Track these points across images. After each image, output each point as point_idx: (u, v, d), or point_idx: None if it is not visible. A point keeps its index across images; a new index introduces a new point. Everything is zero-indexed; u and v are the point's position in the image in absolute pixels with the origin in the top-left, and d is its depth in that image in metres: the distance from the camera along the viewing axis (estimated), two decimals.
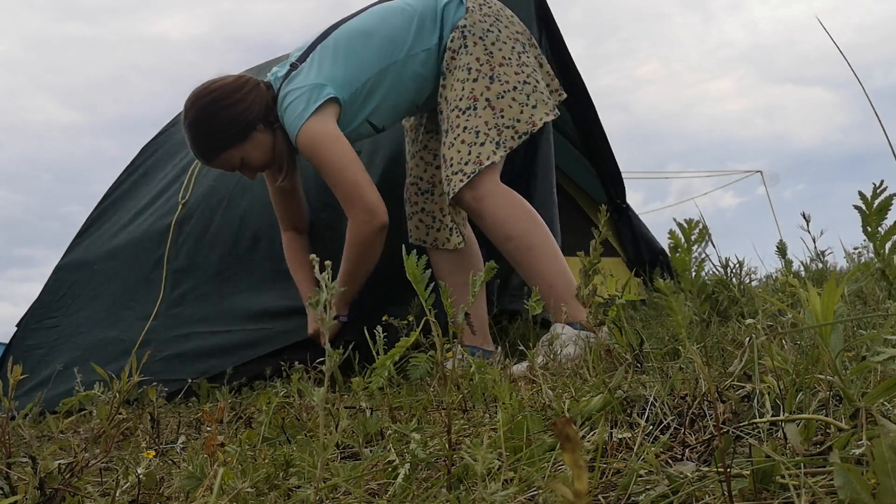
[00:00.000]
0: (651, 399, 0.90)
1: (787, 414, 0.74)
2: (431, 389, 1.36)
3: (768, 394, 0.81)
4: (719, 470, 0.61)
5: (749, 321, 1.04)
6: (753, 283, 2.00)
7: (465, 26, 1.98)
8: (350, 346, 1.49)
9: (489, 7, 2.03)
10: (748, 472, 0.62)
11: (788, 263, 1.69)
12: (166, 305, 2.62)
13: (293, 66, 2.03)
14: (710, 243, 1.71)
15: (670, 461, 0.74)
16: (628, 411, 0.91)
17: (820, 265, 1.98)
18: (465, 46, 1.97)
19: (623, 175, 3.53)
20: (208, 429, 1.47)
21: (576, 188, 3.80)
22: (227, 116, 1.99)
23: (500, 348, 1.95)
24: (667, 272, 3.37)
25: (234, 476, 0.83)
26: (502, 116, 1.91)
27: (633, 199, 3.87)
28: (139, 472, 0.88)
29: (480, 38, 1.96)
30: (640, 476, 0.68)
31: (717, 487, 0.62)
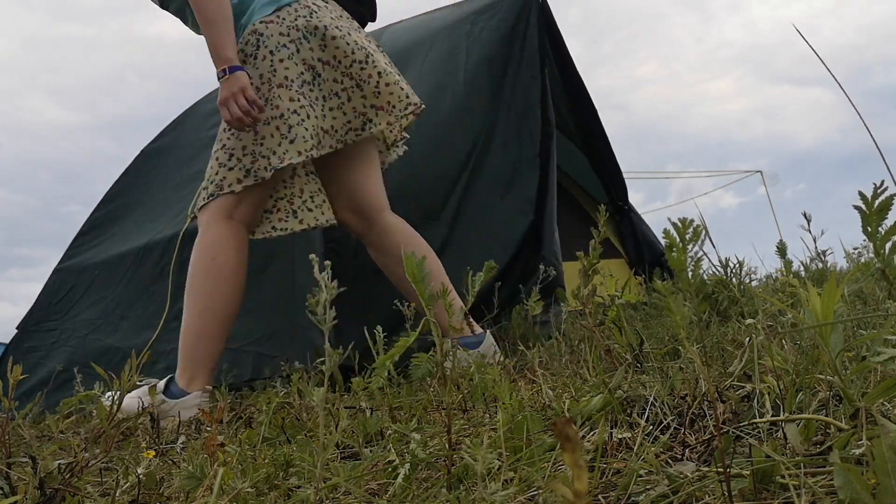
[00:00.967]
0: (651, 399, 0.90)
1: (787, 414, 0.74)
2: (431, 389, 1.36)
3: (768, 394, 0.81)
4: (719, 470, 0.61)
5: (749, 321, 1.04)
6: (753, 283, 2.00)
7: (262, 34, 1.85)
8: None
9: (307, 20, 1.89)
10: (748, 472, 0.62)
11: (788, 263, 1.69)
12: (167, 318, 2.59)
13: None
14: (708, 242, 1.71)
15: (670, 461, 0.74)
16: (628, 411, 0.91)
17: (820, 265, 1.98)
18: (255, 57, 1.85)
19: (624, 175, 3.53)
20: (208, 429, 1.47)
21: (577, 187, 3.81)
22: None
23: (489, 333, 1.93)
24: (668, 274, 3.37)
25: (234, 476, 0.83)
26: (261, 144, 1.82)
27: (635, 198, 3.85)
28: (139, 472, 0.88)
29: (271, 52, 1.84)
30: (640, 476, 0.68)
31: (717, 487, 0.62)
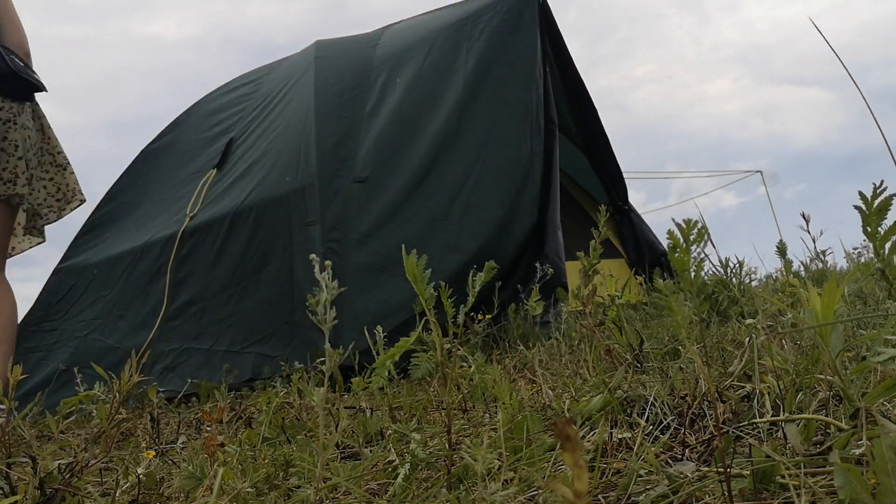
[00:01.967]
0: (651, 399, 0.90)
1: (787, 414, 0.74)
2: (431, 389, 1.36)
3: (768, 394, 0.81)
4: (719, 470, 0.61)
5: (749, 321, 1.04)
6: (753, 283, 2.00)
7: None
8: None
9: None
10: (748, 472, 0.62)
11: (788, 263, 1.69)
12: (164, 317, 2.59)
13: None
14: (709, 243, 1.71)
15: (670, 461, 0.74)
16: (628, 411, 0.91)
17: (820, 265, 1.98)
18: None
19: (624, 175, 3.53)
20: (208, 429, 1.46)
21: (577, 187, 3.81)
22: None
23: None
24: (668, 273, 3.37)
25: (234, 476, 0.83)
26: None
27: (635, 198, 3.84)
28: (139, 472, 0.88)
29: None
30: (640, 476, 0.68)
31: (717, 487, 0.62)
